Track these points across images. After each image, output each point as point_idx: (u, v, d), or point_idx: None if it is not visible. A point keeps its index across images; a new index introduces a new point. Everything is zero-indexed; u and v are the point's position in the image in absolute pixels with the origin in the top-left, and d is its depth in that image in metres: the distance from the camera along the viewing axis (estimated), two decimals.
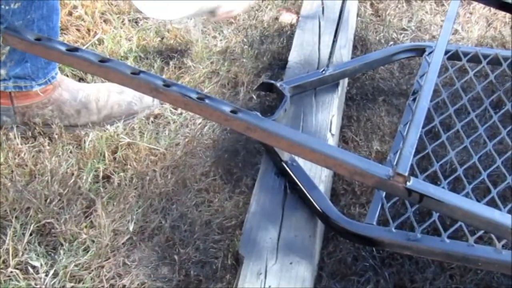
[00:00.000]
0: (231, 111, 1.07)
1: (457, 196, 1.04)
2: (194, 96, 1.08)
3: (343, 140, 1.53)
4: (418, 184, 1.03)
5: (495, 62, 1.52)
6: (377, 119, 1.57)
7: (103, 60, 1.11)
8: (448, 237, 1.14)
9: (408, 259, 1.25)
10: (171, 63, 1.76)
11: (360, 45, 1.81)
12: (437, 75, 1.49)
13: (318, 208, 1.22)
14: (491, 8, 1.84)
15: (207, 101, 1.08)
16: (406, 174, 1.02)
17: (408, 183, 1.02)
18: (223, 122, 1.10)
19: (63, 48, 1.11)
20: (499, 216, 1.00)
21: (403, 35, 1.85)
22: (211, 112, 1.08)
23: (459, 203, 1.02)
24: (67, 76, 1.68)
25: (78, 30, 1.88)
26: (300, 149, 1.06)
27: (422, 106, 1.15)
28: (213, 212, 1.38)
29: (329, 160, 1.05)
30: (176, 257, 1.29)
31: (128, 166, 1.47)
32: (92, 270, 1.27)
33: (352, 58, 1.69)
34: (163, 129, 1.58)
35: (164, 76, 1.69)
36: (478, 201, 1.24)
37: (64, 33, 1.86)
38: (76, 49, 1.12)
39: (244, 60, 1.76)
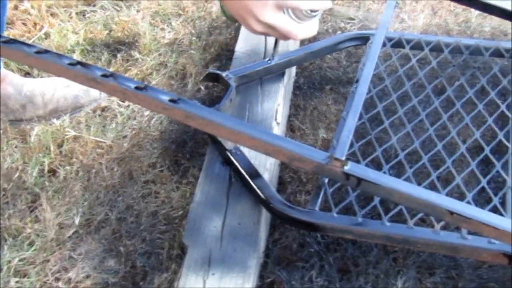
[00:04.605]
0: (170, 100, 1.07)
1: (394, 179, 1.05)
2: (132, 86, 1.08)
3: (290, 129, 1.54)
4: (355, 168, 1.04)
5: (437, 49, 1.54)
6: (324, 108, 1.58)
7: (39, 51, 1.10)
8: (390, 220, 1.16)
9: (352, 243, 1.27)
10: (118, 55, 1.75)
11: None
12: (381, 62, 1.52)
13: (261, 196, 1.22)
14: None
15: (145, 90, 1.07)
16: (343, 158, 1.03)
17: (345, 167, 1.03)
18: (162, 111, 1.10)
19: None
20: (434, 197, 1.02)
21: (350, 24, 1.86)
22: (149, 102, 1.08)
23: (396, 186, 1.03)
24: (13, 71, 1.66)
25: (24, 24, 1.86)
26: (239, 136, 1.07)
27: (360, 92, 1.16)
28: (160, 203, 1.38)
29: (268, 147, 1.06)
30: (122, 249, 1.29)
31: (74, 160, 1.46)
32: (37, 265, 1.27)
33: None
34: (110, 121, 1.57)
35: (111, 69, 1.69)
36: (419, 184, 1.26)
37: (10, 28, 1.84)
38: (12, 41, 1.11)
39: (192, 51, 1.76)
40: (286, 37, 1.22)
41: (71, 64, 1.09)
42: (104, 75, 1.08)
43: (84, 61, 1.70)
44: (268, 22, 1.16)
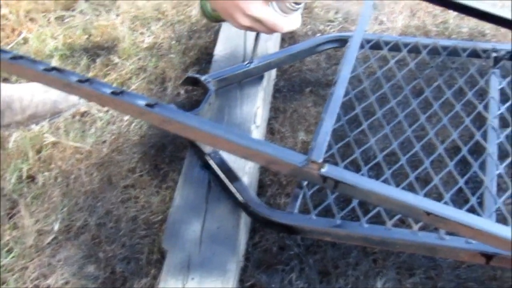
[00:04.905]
0: (147, 105, 1.07)
1: (371, 181, 1.05)
2: (108, 91, 1.07)
3: (270, 132, 1.54)
4: (332, 170, 1.05)
5: (415, 50, 1.54)
6: (304, 110, 1.59)
7: (14, 57, 1.09)
8: (369, 222, 1.16)
9: (332, 245, 1.27)
10: (97, 60, 1.74)
11: (288, 37, 1.82)
12: (360, 64, 1.52)
13: (240, 199, 1.22)
14: None
15: (121, 95, 1.07)
16: (320, 160, 1.04)
17: (322, 170, 1.04)
18: (139, 116, 1.10)
19: None
20: (411, 198, 1.02)
21: (330, 26, 1.87)
22: (126, 106, 1.07)
23: (373, 187, 1.03)
24: None
25: (2, 29, 1.85)
26: (216, 140, 1.07)
27: (337, 94, 1.17)
28: (140, 208, 1.37)
29: (246, 150, 1.06)
30: (101, 254, 1.28)
31: (53, 166, 1.45)
32: (16, 272, 1.26)
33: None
34: (89, 126, 1.56)
35: (90, 74, 1.69)
36: (397, 185, 1.26)
37: None
38: None
39: (172, 55, 1.76)
40: (271, 31, 1.22)
41: (46, 69, 1.09)
42: (80, 81, 1.08)
43: (63, 66, 1.70)
44: (255, 15, 1.16)
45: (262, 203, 1.22)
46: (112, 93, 1.07)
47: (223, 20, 1.28)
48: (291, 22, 1.23)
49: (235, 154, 1.09)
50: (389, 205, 1.05)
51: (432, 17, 1.85)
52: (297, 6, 1.23)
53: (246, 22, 1.19)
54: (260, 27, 1.22)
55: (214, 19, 1.37)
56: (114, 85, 1.67)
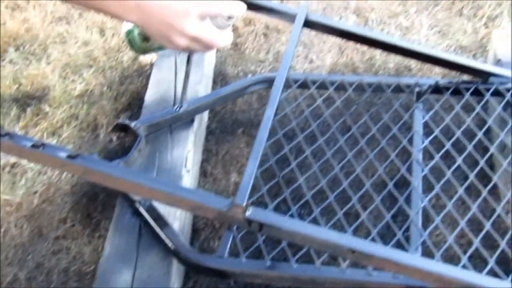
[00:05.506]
0: (68, 156, 1.07)
1: (296, 222, 1.06)
2: (28, 144, 1.07)
3: (203, 175, 1.54)
4: (257, 213, 1.05)
5: (341, 88, 1.57)
6: (236, 151, 1.60)
7: None
8: (302, 261, 1.17)
9: (265, 287, 1.27)
10: (28, 110, 1.72)
11: (219, 79, 1.84)
12: (288, 104, 1.54)
13: (170, 245, 1.22)
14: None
15: (42, 148, 1.06)
16: (244, 204, 1.04)
17: (246, 213, 1.04)
18: (61, 168, 1.09)
19: None
20: (336, 237, 1.04)
21: (261, 67, 1.90)
22: (46, 159, 1.07)
23: (297, 228, 1.04)
24: None
25: None
26: (139, 188, 1.07)
27: (261, 136, 1.18)
28: (71, 259, 1.35)
29: (169, 197, 1.06)
30: None
31: None
32: None
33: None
34: (20, 177, 1.54)
35: (20, 124, 1.67)
36: (326, 223, 1.28)
37: None
38: None
39: (104, 102, 1.75)
40: (209, 48, 1.20)
41: None
42: None
43: None
44: (192, 34, 1.13)
45: (192, 249, 1.22)
46: (33, 146, 1.07)
47: (152, 51, 1.26)
48: (226, 37, 1.21)
49: (159, 202, 1.09)
50: (315, 245, 1.06)
51: (360, 54, 1.90)
52: (228, 22, 1.22)
53: (183, 42, 1.16)
54: (197, 46, 1.19)
55: (143, 51, 1.35)
56: (45, 134, 1.65)
